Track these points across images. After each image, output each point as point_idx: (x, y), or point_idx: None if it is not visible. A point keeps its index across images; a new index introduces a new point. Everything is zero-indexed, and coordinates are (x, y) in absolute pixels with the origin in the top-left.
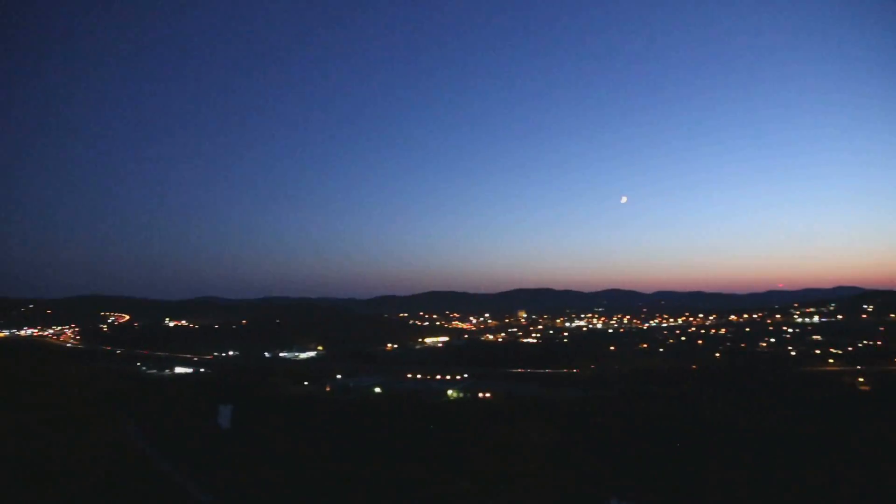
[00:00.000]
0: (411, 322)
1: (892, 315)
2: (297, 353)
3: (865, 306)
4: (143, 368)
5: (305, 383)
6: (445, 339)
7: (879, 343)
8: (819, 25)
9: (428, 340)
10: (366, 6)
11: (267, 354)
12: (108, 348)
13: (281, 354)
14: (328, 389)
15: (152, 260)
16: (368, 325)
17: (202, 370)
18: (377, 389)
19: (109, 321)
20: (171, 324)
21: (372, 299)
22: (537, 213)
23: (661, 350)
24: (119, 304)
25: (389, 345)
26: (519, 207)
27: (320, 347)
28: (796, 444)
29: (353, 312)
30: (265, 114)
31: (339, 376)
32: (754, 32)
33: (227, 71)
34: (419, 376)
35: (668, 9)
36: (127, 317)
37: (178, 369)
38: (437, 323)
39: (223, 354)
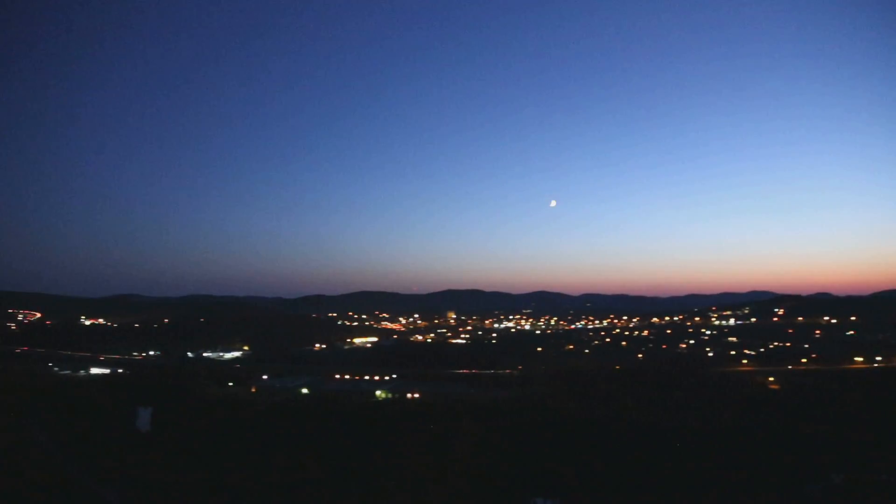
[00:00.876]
0: (340, 322)
1: (800, 318)
2: (221, 354)
3: (776, 310)
4: (56, 369)
5: (230, 384)
6: (374, 339)
7: (788, 344)
8: (734, 26)
9: (357, 341)
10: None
11: (190, 354)
12: (18, 349)
13: (205, 354)
14: (254, 391)
15: (66, 255)
16: (296, 324)
17: (120, 371)
18: (304, 390)
19: (18, 319)
20: (88, 322)
21: (300, 299)
22: (468, 214)
23: (586, 351)
24: (29, 301)
25: (318, 345)
26: (450, 209)
27: (246, 347)
28: (710, 439)
29: (280, 312)
30: (194, 109)
31: (265, 377)
32: (680, 45)
33: (158, 66)
34: (347, 377)
35: (595, 13)
36: (38, 314)
37: (95, 370)
38: (367, 323)
39: (143, 354)
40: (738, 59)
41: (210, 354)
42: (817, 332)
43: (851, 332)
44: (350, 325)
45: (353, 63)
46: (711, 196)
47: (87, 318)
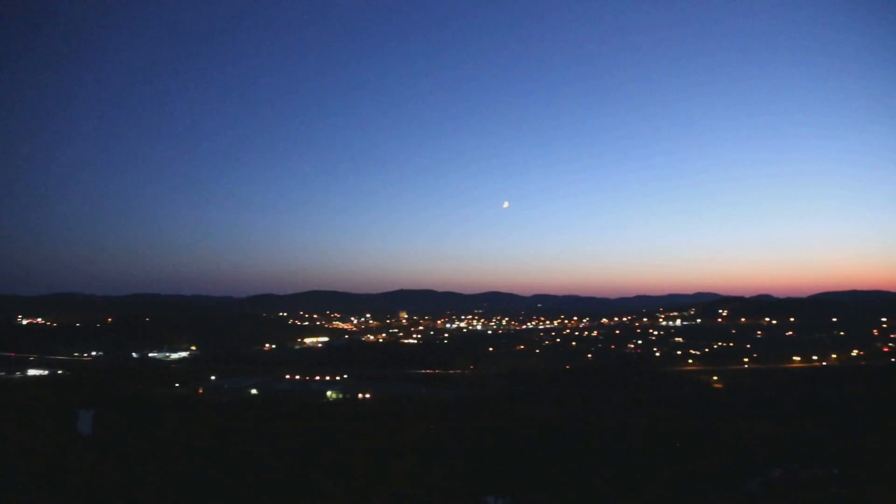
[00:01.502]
0: (291, 322)
1: (743, 319)
2: (168, 354)
3: (721, 311)
4: None
5: (177, 385)
6: (325, 339)
7: (731, 344)
8: (694, 26)
9: (308, 340)
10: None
11: (135, 355)
12: None
13: (151, 355)
14: (201, 391)
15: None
16: (246, 324)
17: (60, 372)
18: (253, 391)
19: None
20: (25, 321)
21: (250, 298)
22: (420, 214)
23: (537, 351)
24: None
25: (267, 345)
26: (402, 209)
27: (193, 347)
28: (656, 437)
29: (229, 311)
30: (137, 105)
31: (213, 377)
32: (629, 49)
33: (98, 58)
34: (298, 377)
35: (544, 14)
36: None
37: (32, 371)
38: (318, 323)
39: (85, 355)
40: (685, 63)
41: (156, 355)
42: (759, 332)
43: (790, 333)
44: (301, 325)
45: (304, 62)
46: (660, 199)
47: (24, 318)
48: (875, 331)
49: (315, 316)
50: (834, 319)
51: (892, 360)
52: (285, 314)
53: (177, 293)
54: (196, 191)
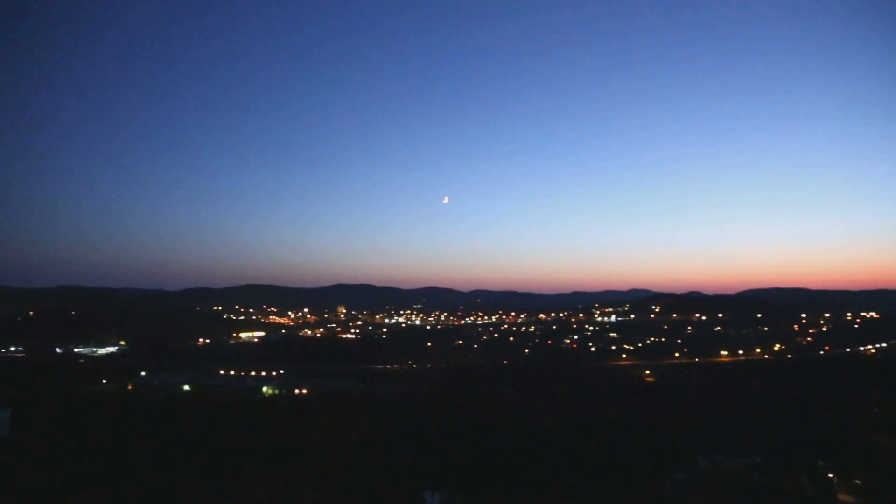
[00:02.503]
0: (226, 316)
1: (675, 315)
2: (95, 349)
3: (654, 307)
4: None
5: (104, 381)
6: (262, 333)
7: (663, 339)
8: (619, 26)
9: (243, 335)
10: None
11: (59, 350)
12: None
13: (76, 350)
14: (130, 387)
15: None
16: (178, 318)
17: None
18: (186, 387)
19: None
20: None
21: (183, 291)
22: (360, 209)
23: (475, 346)
24: None
25: (201, 339)
26: (341, 203)
27: (122, 342)
28: (591, 429)
29: (161, 305)
30: (67, 96)
31: (143, 373)
32: (568, 46)
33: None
34: (233, 372)
35: (483, 8)
36: None
37: None
38: (254, 317)
39: (3, 350)
40: (618, 60)
41: (82, 350)
42: (689, 327)
43: (719, 328)
44: (236, 320)
45: (243, 55)
46: (596, 198)
47: None
48: (796, 326)
49: (251, 310)
50: (759, 315)
51: (811, 353)
52: (220, 308)
53: (105, 286)
54: (126, 179)
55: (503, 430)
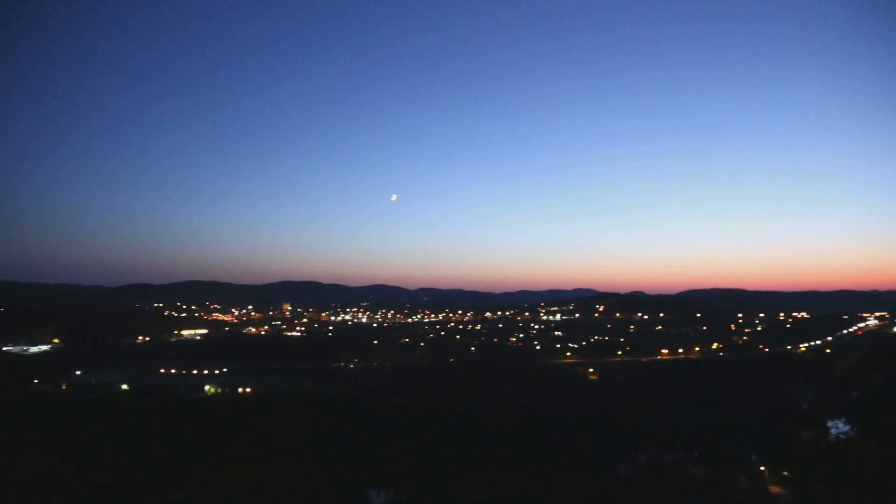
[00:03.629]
0: (167, 313)
1: (619, 314)
2: (25, 347)
3: (598, 306)
4: None
5: (35, 381)
6: (205, 331)
7: (607, 338)
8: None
9: (185, 333)
10: None
11: None
12: None
13: (5, 348)
14: (64, 387)
15: None
16: (117, 315)
17: None
18: (124, 386)
19: None
20: None
21: (122, 287)
22: (306, 205)
23: (422, 344)
24: None
25: (141, 337)
26: (287, 200)
27: (56, 340)
28: (535, 428)
29: (99, 301)
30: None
31: (78, 372)
32: (516, 44)
33: None
34: (174, 371)
35: (428, 4)
36: None
37: None
38: (197, 314)
39: None
40: (564, 59)
41: (11, 348)
42: (632, 326)
43: (660, 327)
44: (178, 317)
45: (190, 46)
46: (542, 196)
47: None
48: (733, 325)
49: (194, 307)
50: (698, 315)
51: (747, 351)
52: (161, 305)
53: (38, 281)
54: (61, 167)
55: (449, 427)
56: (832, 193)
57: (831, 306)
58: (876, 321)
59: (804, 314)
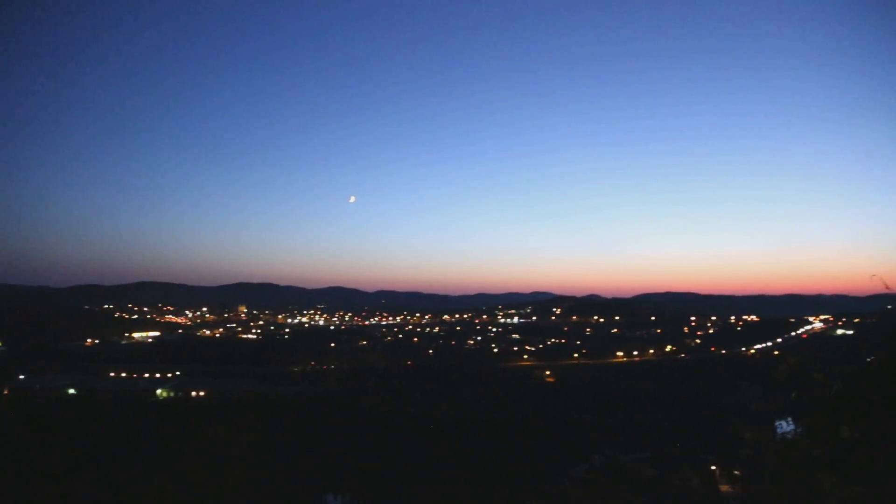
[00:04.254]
0: (118, 315)
1: (575, 317)
2: None
3: (555, 309)
4: None
5: None
6: (157, 333)
7: (563, 341)
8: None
9: (136, 335)
10: None
11: None
12: None
13: None
14: (6, 392)
15: None
16: (65, 317)
17: None
18: (71, 390)
19: None
20: None
21: (70, 288)
22: (262, 205)
23: (379, 347)
24: None
25: (90, 340)
26: (243, 201)
27: None
28: (493, 431)
29: (44, 302)
30: None
31: (21, 376)
32: (474, 48)
33: None
34: (124, 374)
35: (390, 7)
36: None
37: None
38: (149, 316)
39: None
40: (528, 62)
41: None
42: (588, 329)
43: (615, 330)
44: (129, 319)
45: (150, 45)
46: (500, 200)
47: None
48: (686, 328)
49: (146, 309)
50: (652, 318)
51: (699, 354)
52: (112, 307)
53: None
54: (9, 167)
55: (406, 430)
56: (779, 200)
57: (780, 310)
58: (821, 324)
59: (754, 317)
